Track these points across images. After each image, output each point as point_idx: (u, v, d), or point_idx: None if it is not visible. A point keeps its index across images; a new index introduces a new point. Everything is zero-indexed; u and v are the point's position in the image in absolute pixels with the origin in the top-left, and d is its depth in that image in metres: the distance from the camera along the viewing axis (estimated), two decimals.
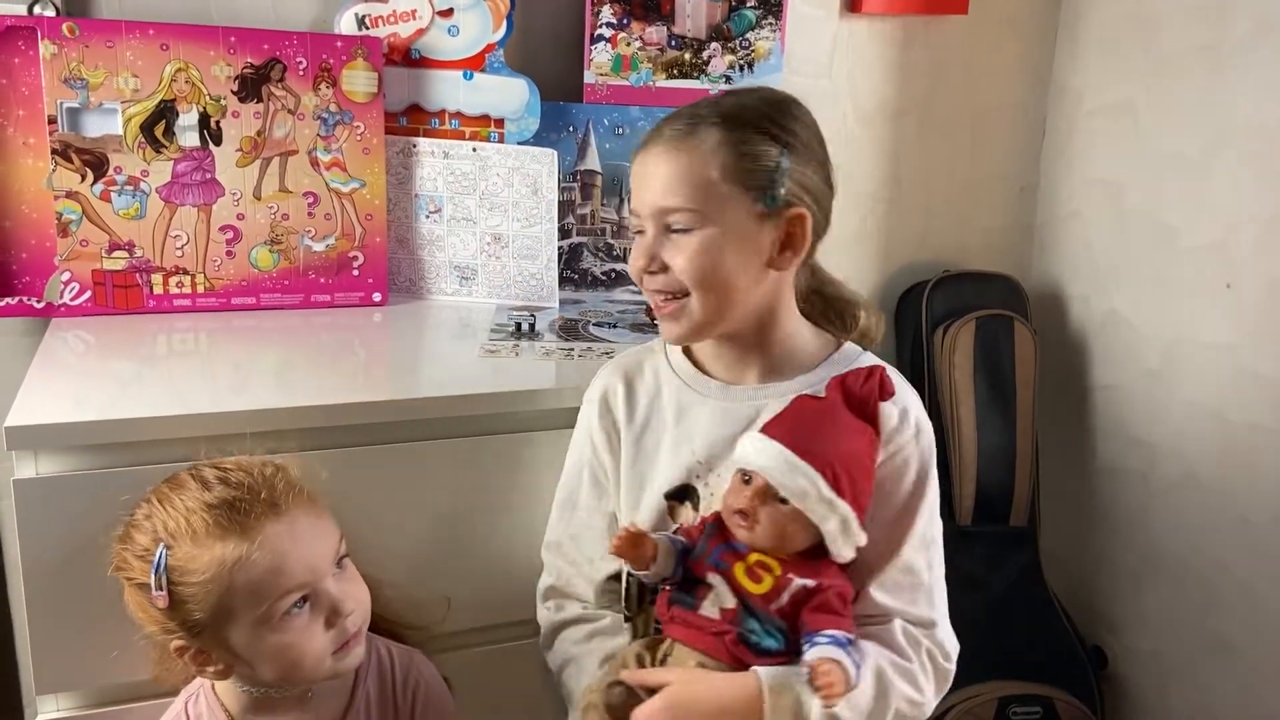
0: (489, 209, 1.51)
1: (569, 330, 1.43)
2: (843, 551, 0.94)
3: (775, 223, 0.98)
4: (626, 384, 1.11)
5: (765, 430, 0.96)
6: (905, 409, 1.01)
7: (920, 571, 1.01)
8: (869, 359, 1.07)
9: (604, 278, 1.62)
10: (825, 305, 1.10)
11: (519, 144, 1.51)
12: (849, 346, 1.08)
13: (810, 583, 0.93)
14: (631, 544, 0.95)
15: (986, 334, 1.74)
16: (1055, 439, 1.88)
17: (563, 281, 1.59)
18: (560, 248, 1.58)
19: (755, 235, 0.98)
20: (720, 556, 0.95)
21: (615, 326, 1.45)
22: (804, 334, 1.07)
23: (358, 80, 1.43)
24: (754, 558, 0.94)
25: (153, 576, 0.92)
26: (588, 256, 1.61)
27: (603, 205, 1.60)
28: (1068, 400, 1.88)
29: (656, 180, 0.99)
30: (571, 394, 1.22)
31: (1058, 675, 1.74)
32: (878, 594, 0.99)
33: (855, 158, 1.81)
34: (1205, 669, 1.67)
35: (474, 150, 1.50)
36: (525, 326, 1.40)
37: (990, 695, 1.69)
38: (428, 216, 1.52)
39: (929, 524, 1.02)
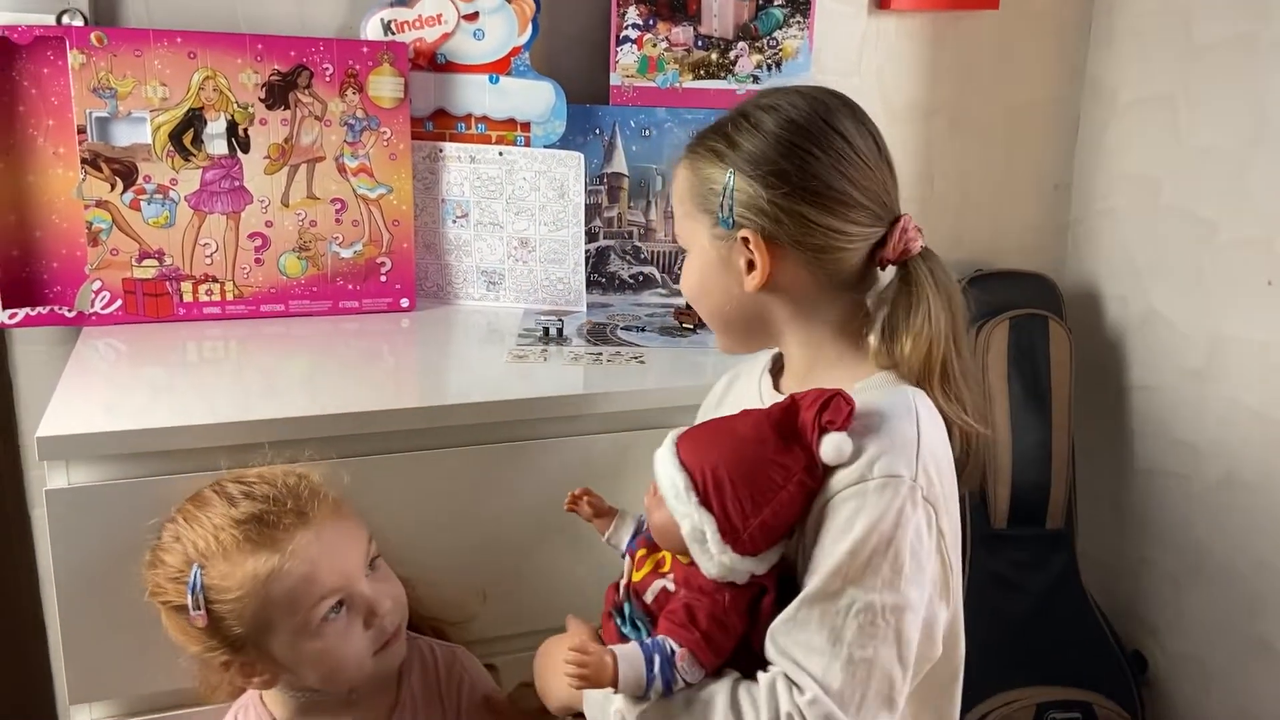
0: (515, 213, 1.51)
1: (597, 335, 1.42)
2: (703, 564, 0.89)
3: (734, 244, 0.96)
4: (730, 379, 1.14)
5: (687, 428, 0.95)
6: (861, 450, 0.87)
7: (823, 633, 0.85)
8: (899, 394, 0.93)
9: (631, 281, 1.61)
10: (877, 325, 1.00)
11: (545, 147, 1.51)
12: (881, 375, 0.96)
13: (670, 586, 0.92)
14: (572, 500, 1.05)
15: (1021, 334, 1.72)
16: (1092, 440, 1.85)
17: (590, 285, 1.58)
18: (587, 251, 1.57)
19: (725, 257, 0.97)
20: (637, 540, 0.99)
21: (644, 330, 1.44)
22: (833, 352, 0.99)
23: (384, 86, 1.43)
24: (663, 551, 0.94)
25: (190, 597, 0.93)
26: (615, 260, 1.60)
27: (630, 208, 1.59)
28: (1105, 401, 1.85)
29: None
30: (600, 400, 1.21)
31: (1097, 680, 1.71)
32: (768, 638, 0.88)
33: None
34: (1248, 673, 1.64)
35: (500, 154, 1.49)
36: (553, 331, 1.40)
37: (1029, 700, 1.66)
38: (454, 221, 1.52)
39: (859, 588, 0.84)
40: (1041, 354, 1.72)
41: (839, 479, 0.88)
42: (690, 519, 0.88)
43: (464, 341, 1.45)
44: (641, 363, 1.31)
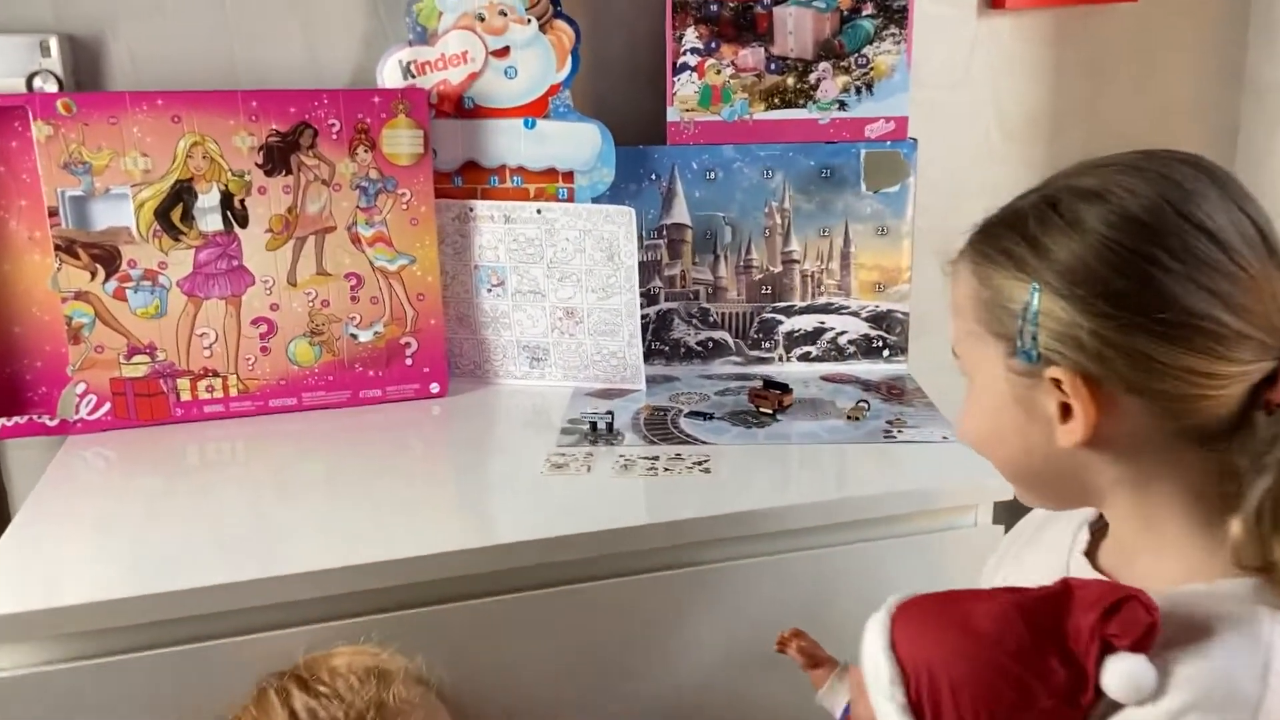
0: (559, 279, 1.29)
1: (656, 426, 1.19)
2: None
3: (1040, 383, 0.68)
4: (1048, 515, 0.86)
5: (910, 598, 0.70)
6: (1164, 689, 0.61)
7: None
8: (1253, 618, 0.63)
9: (699, 349, 1.37)
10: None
11: (592, 200, 1.28)
12: (1241, 583, 0.65)
13: None
14: (780, 642, 0.92)
15: None
16: None
17: (651, 354, 1.36)
18: (646, 316, 1.34)
19: (1026, 397, 0.69)
20: (845, 714, 0.87)
21: (712, 418, 1.21)
22: (1174, 530, 0.69)
23: (400, 140, 1.22)
24: None
25: None
26: (679, 325, 1.37)
27: (694, 264, 1.35)
28: None
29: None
30: (648, 533, 0.98)
31: None
32: None
33: (1004, 179, 1.50)
34: None
35: (538, 212, 1.27)
36: (601, 426, 1.17)
37: None
38: (489, 290, 1.31)
39: None
40: None
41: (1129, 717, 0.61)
42: None
43: (504, 433, 1.24)
44: (707, 471, 1.08)
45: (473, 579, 0.95)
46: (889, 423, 1.19)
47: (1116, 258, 0.63)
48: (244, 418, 1.24)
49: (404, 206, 1.24)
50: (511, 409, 1.28)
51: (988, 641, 0.64)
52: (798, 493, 1.05)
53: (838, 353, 1.38)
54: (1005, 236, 0.69)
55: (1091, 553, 0.76)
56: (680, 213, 1.33)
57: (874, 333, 1.37)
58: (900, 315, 1.37)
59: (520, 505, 1.04)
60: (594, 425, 1.17)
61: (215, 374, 1.22)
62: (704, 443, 1.14)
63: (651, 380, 1.32)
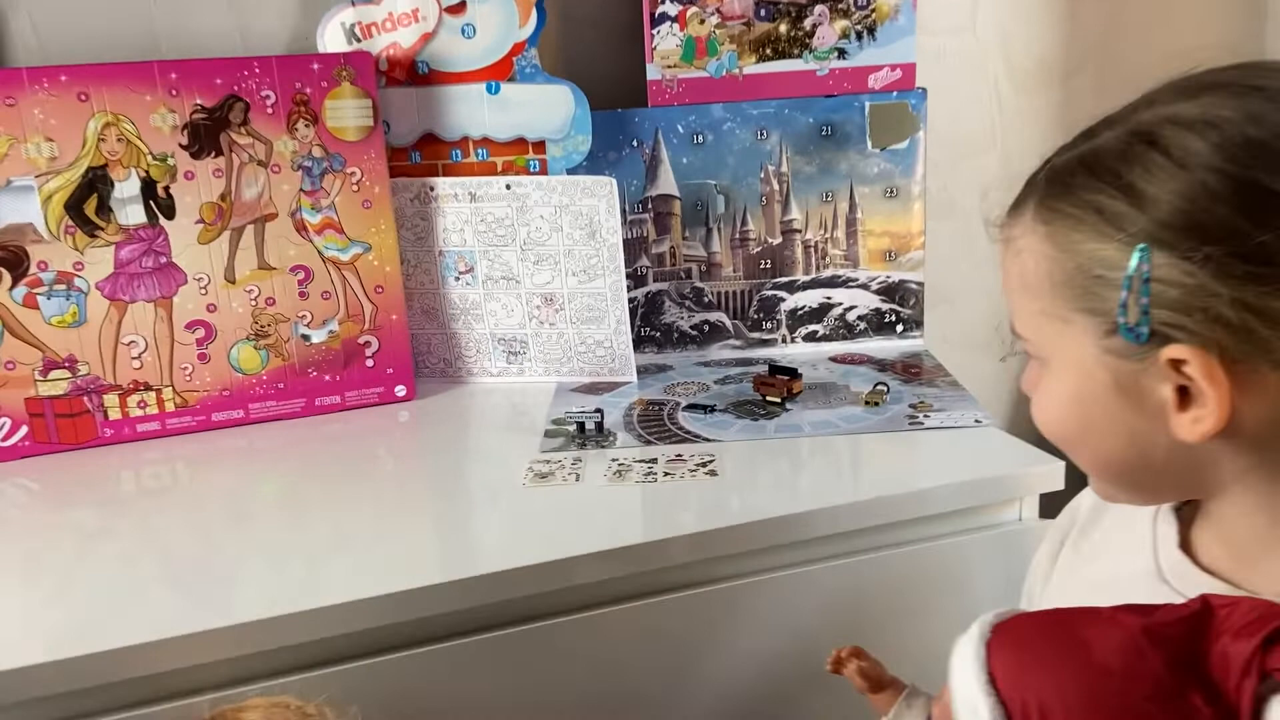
0: (534, 262, 1.15)
1: (650, 422, 1.05)
2: None
3: (1151, 365, 0.54)
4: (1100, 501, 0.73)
5: (1008, 618, 0.57)
6: None
7: None
8: None
9: (694, 333, 1.24)
10: None
11: (567, 172, 1.14)
12: None
13: None
14: (835, 661, 0.77)
15: None
16: None
17: (641, 342, 1.22)
18: (634, 299, 1.21)
19: (1128, 384, 0.56)
20: None
21: (714, 411, 1.07)
22: None
23: (345, 111, 1.08)
24: None
25: None
26: (670, 307, 1.23)
27: (685, 239, 1.21)
28: None
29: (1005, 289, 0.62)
30: (658, 550, 0.85)
31: None
32: None
33: (1012, 132, 1.39)
34: None
35: (508, 188, 1.13)
36: (589, 426, 1.03)
37: None
38: (458, 278, 1.17)
39: None
40: None
41: None
42: None
43: (480, 440, 1.11)
44: (713, 473, 0.94)
45: (437, 620, 0.81)
46: (912, 406, 1.06)
47: (1251, 201, 0.49)
48: (183, 435, 1.09)
49: (354, 187, 1.09)
50: (488, 410, 1.15)
51: (1117, 678, 0.51)
52: (817, 494, 0.92)
53: (847, 330, 1.24)
54: (1089, 186, 0.54)
55: (1184, 545, 0.63)
56: (666, 182, 1.20)
57: (886, 306, 1.24)
58: (914, 285, 1.24)
59: (498, 526, 0.90)
60: (581, 426, 1.04)
61: (147, 387, 1.08)
62: (707, 440, 1.01)
63: (643, 371, 1.18)
